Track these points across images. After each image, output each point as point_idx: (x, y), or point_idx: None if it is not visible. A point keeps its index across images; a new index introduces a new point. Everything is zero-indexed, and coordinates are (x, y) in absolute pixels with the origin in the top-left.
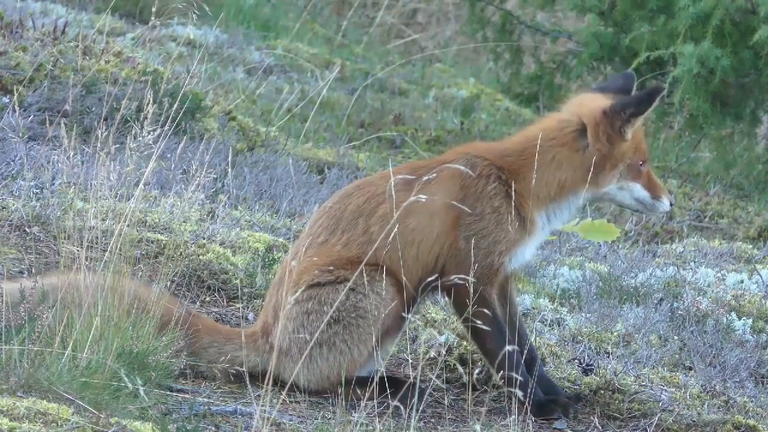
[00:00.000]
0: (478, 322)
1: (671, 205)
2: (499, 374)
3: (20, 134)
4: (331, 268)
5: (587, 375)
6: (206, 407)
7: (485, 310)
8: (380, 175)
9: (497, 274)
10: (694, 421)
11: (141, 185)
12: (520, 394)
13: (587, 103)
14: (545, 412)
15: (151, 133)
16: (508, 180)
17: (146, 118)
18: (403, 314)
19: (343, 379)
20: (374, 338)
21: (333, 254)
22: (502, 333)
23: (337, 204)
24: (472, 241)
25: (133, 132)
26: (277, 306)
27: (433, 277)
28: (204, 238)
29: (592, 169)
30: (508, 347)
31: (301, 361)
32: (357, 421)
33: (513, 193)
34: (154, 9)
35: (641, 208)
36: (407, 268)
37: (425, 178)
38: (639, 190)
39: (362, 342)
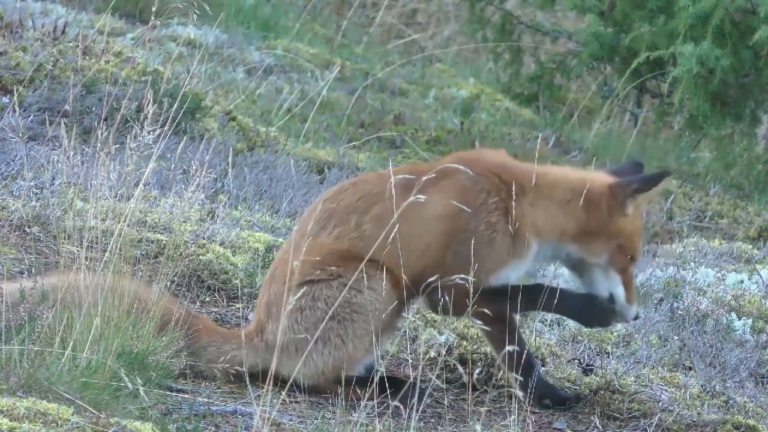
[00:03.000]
0: (479, 322)
1: (635, 318)
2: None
3: (20, 134)
4: (323, 264)
5: (587, 375)
6: (206, 407)
7: (485, 310)
8: (376, 174)
9: (478, 290)
10: (694, 421)
11: (141, 185)
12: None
13: (598, 176)
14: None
15: (151, 133)
16: (509, 198)
17: (146, 118)
18: (403, 314)
19: (343, 379)
20: (370, 334)
21: (324, 249)
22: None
23: (330, 200)
24: (460, 256)
25: (133, 132)
26: (270, 303)
27: (434, 278)
28: (204, 238)
29: (588, 232)
30: (508, 347)
31: (302, 360)
32: (357, 421)
33: (513, 212)
34: (154, 9)
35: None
36: (402, 269)
37: (423, 182)
38: (617, 285)
39: (357, 337)
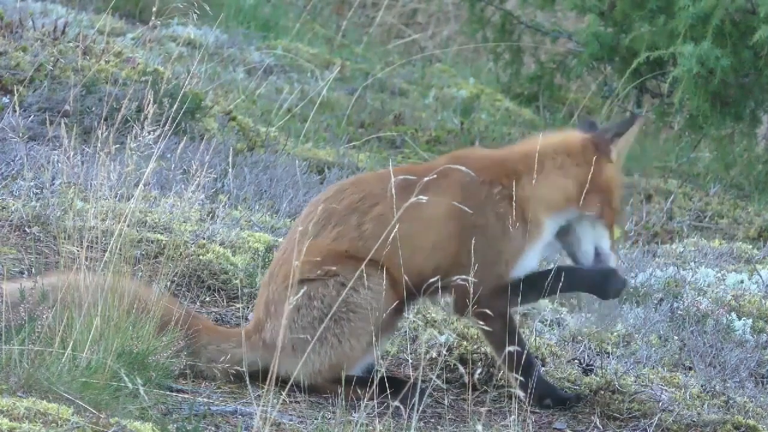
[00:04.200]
0: (481, 322)
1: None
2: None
3: (20, 134)
4: (321, 264)
5: (587, 375)
6: (206, 407)
7: (487, 310)
8: (376, 174)
9: (502, 283)
10: (694, 421)
11: (141, 185)
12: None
13: (570, 135)
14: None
15: (152, 133)
16: (510, 184)
17: (146, 118)
18: (404, 314)
19: (343, 379)
20: (368, 334)
21: (323, 249)
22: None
23: (330, 200)
24: (477, 254)
25: (134, 132)
26: (269, 302)
27: (435, 278)
28: (204, 238)
29: (587, 188)
30: (508, 348)
31: (300, 359)
32: (357, 421)
33: (517, 196)
34: (154, 9)
35: (589, 260)
36: (402, 269)
37: (423, 183)
38: (603, 237)
39: (354, 336)
